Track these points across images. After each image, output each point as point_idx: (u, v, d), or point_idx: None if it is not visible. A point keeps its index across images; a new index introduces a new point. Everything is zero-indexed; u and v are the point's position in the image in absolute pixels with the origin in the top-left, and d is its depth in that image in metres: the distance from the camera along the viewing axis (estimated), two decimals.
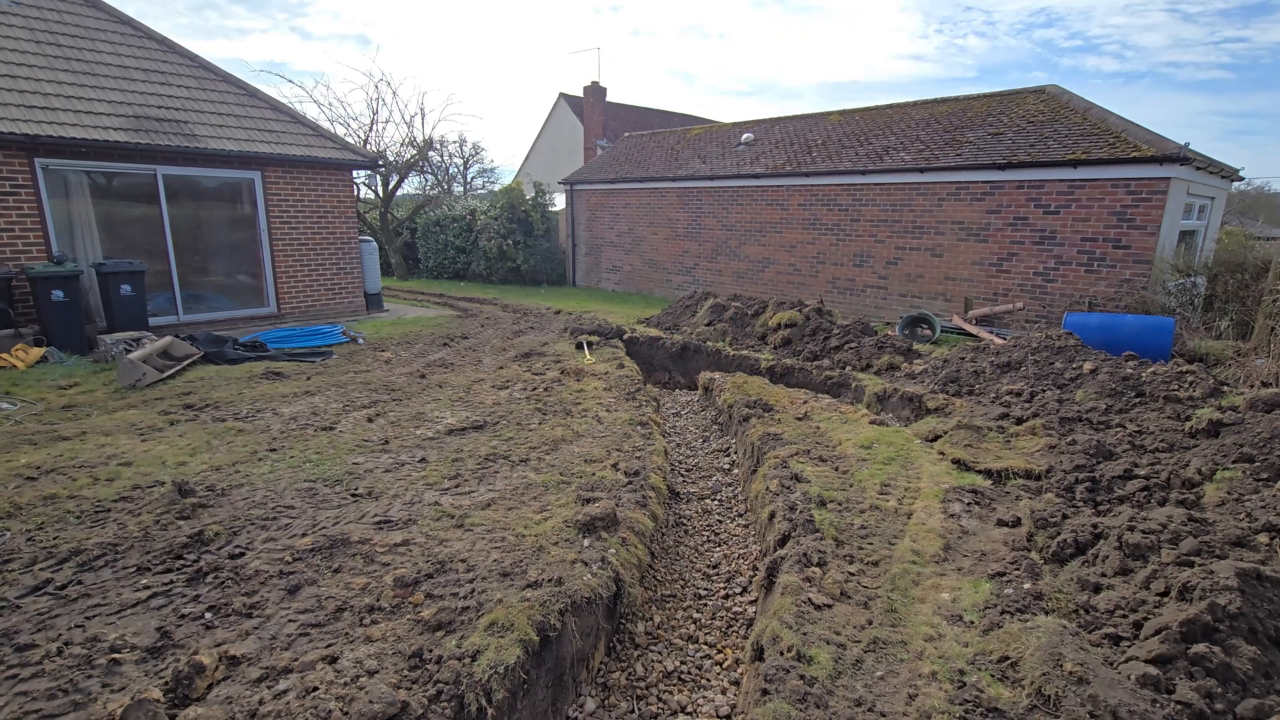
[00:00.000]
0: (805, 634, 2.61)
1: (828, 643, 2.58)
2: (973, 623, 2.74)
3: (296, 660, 2.40)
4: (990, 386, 6.21)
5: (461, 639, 2.54)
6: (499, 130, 61.39)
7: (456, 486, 4.13)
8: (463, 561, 3.13)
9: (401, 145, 21.42)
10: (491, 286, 17.43)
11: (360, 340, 9.22)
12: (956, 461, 4.65)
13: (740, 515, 4.69)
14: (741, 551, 4.17)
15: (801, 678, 2.35)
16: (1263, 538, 3.07)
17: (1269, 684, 2.21)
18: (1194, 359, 7.11)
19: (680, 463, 5.73)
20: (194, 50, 10.78)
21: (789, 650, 2.51)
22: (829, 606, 2.84)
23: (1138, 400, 5.24)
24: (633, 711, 2.80)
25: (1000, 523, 3.69)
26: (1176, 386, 5.28)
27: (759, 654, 2.64)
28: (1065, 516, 3.54)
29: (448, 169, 29.37)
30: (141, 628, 2.59)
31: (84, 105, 8.66)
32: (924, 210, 10.98)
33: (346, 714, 2.12)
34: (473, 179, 32.63)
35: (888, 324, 11.02)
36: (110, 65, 9.52)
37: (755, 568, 3.92)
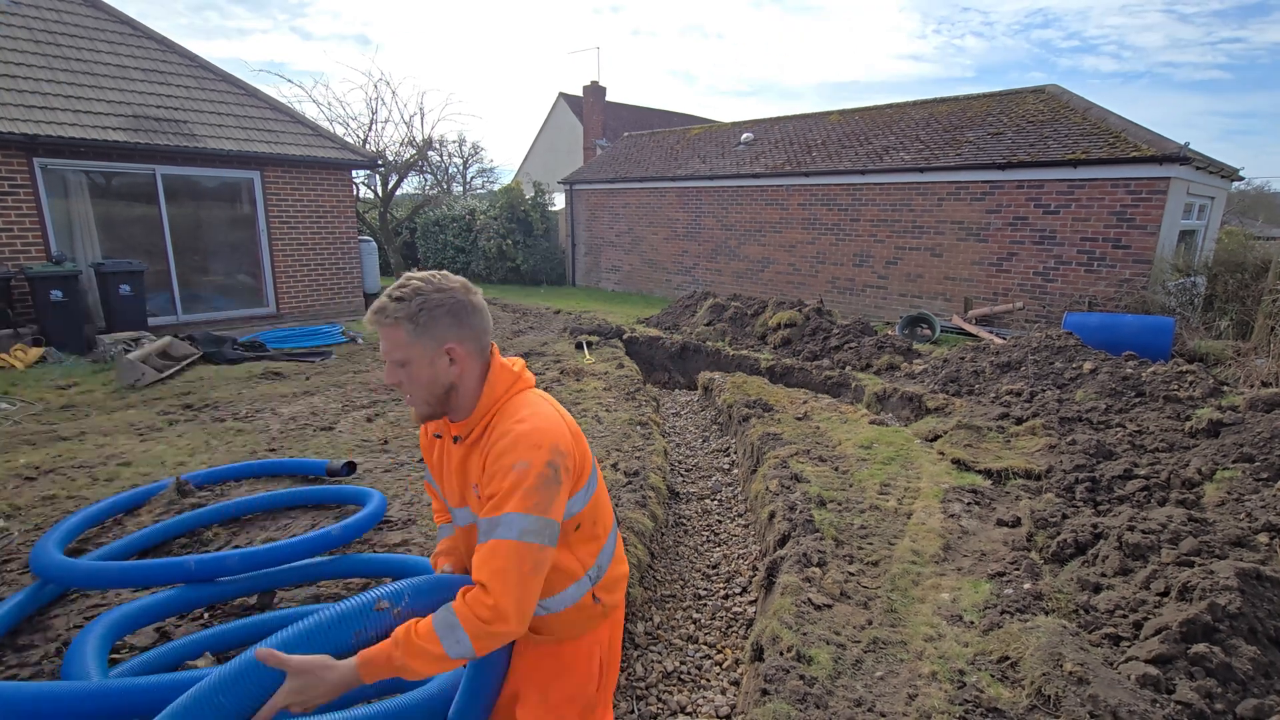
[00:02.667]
0: (805, 634, 2.61)
1: (827, 643, 2.58)
2: (973, 623, 2.73)
3: None
4: (990, 386, 6.21)
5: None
6: (498, 130, 61.44)
7: None
8: None
9: (401, 145, 21.41)
10: (491, 286, 17.43)
11: (360, 340, 9.21)
12: (956, 461, 4.65)
13: (740, 515, 4.69)
14: (741, 551, 4.17)
15: (801, 678, 2.35)
16: (1263, 537, 3.07)
17: (1269, 684, 2.21)
18: (1194, 359, 7.11)
19: (680, 462, 5.73)
20: (194, 50, 10.77)
21: (789, 650, 2.50)
22: (829, 606, 2.84)
23: (1138, 400, 5.24)
24: (632, 712, 2.80)
25: (1000, 523, 3.69)
26: (1176, 386, 5.28)
27: (759, 654, 2.64)
28: (1065, 516, 3.54)
29: (447, 169, 29.37)
30: (140, 628, 2.58)
31: (83, 105, 8.65)
32: (924, 210, 10.98)
33: None
34: (472, 179, 32.65)
35: (887, 324, 11.02)
36: (109, 65, 9.51)
37: (755, 568, 3.91)
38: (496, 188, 24.29)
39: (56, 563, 2.59)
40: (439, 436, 1.55)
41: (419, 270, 1.49)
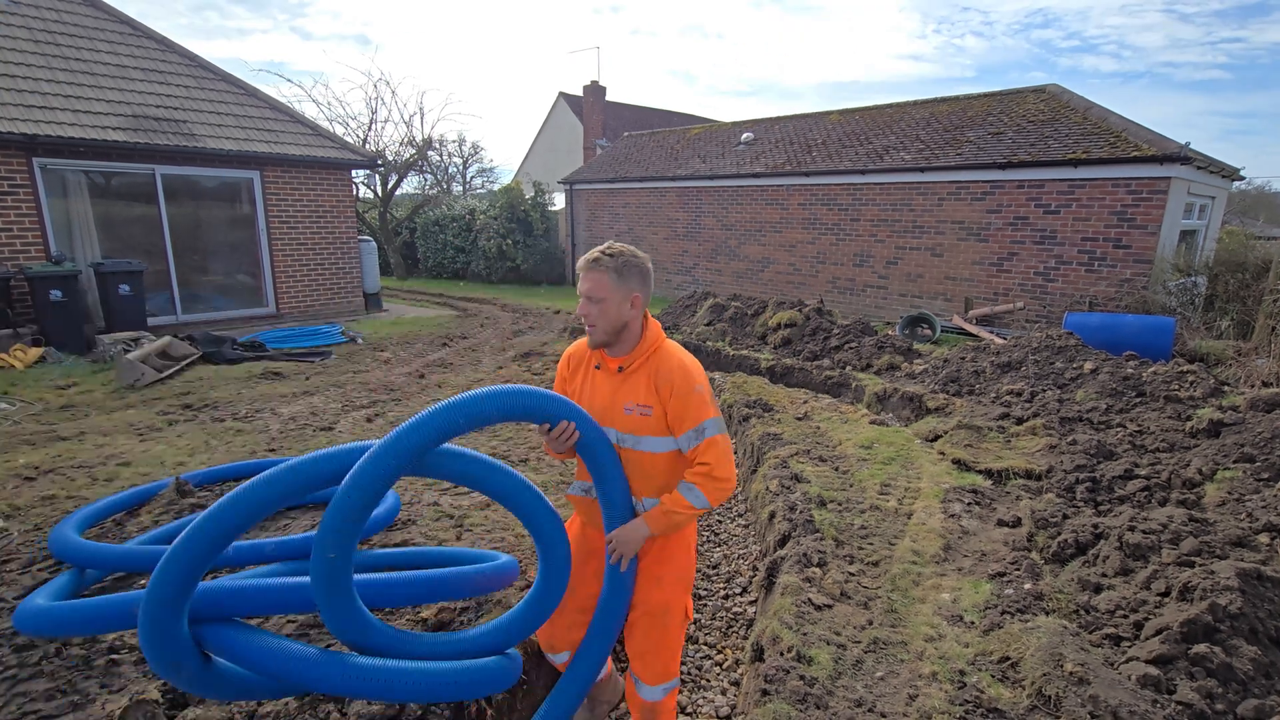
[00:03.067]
0: (805, 634, 2.61)
1: (828, 643, 2.57)
2: (973, 623, 2.73)
3: None
4: (990, 386, 6.20)
5: None
6: (498, 130, 61.48)
7: (455, 487, 4.13)
8: None
9: (400, 145, 21.45)
10: (491, 286, 17.43)
11: (359, 340, 9.21)
12: (957, 461, 4.65)
13: (740, 515, 4.69)
14: (741, 551, 4.17)
15: (801, 678, 2.34)
16: (1263, 538, 3.07)
17: (1270, 684, 2.20)
18: (1194, 359, 7.10)
19: None
20: (194, 50, 10.78)
21: (789, 650, 2.50)
22: (829, 607, 2.84)
23: (1138, 400, 5.23)
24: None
25: (1000, 523, 3.69)
26: (1177, 386, 5.28)
27: (759, 654, 2.64)
28: (1066, 516, 3.53)
29: (447, 168, 29.39)
30: None
31: (82, 105, 8.65)
32: (924, 210, 10.97)
33: (345, 714, 2.11)
34: (472, 178, 32.67)
35: (888, 324, 11.01)
36: (109, 64, 9.51)
37: (755, 568, 3.91)
38: (496, 188, 24.30)
39: (109, 549, 2.63)
40: (599, 367, 2.08)
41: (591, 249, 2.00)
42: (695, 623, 3.44)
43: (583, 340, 2.13)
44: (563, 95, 28.94)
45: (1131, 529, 3.09)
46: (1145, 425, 4.76)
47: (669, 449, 2.02)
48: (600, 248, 1.98)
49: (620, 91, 60.99)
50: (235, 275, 10.38)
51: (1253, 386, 6.02)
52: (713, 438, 1.96)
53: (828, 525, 3.59)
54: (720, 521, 4.61)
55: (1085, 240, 9.34)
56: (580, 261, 1.97)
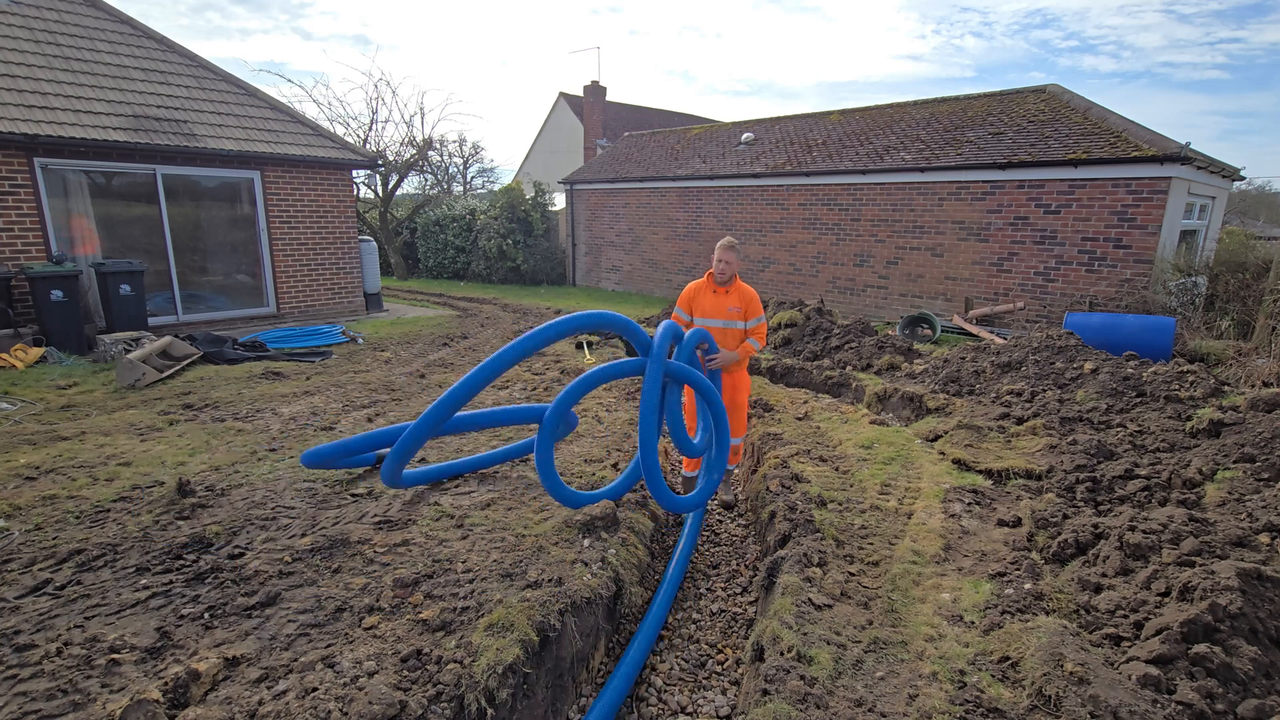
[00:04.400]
0: (805, 634, 2.61)
1: (828, 643, 2.58)
2: (973, 623, 2.73)
3: (296, 660, 2.40)
4: (991, 386, 6.20)
5: (461, 639, 2.53)
6: (499, 130, 61.48)
7: (456, 486, 4.13)
8: (462, 562, 3.12)
9: (401, 145, 21.43)
10: (491, 286, 17.43)
11: (360, 340, 9.21)
12: (957, 461, 4.65)
13: (740, 515, 4.69)
14: (741, 551, 4.17)
15: (801, 678, 2.34)
16: (1264, 538, 3.07)
17: (1270, 684, 2.20)
18: (1195, 359, 7.10)
19: (680, 462, 5.72)
20: (195, 50, 10.77)
21: (789, 650, 2.50)
22: (829, 607, 2.84)
23: (1138, 400, 5.23)
24: (632, 712, 2.80)
25: (1001, 523, 3.69)
26: (1177, 386, 5.28)
27: (759, 654, 2.64)
28: (1066, 516, 3.53)
29: (447, 169, 29.39)
30: (141, 628, 2.58)
31: (83, 105, 8.65)
32: (924, 210, 10.97)
33: (345, 714, 2.12)
34: (472, 179, 32.67)
35: (888, 324, 11.01)
36: (109, 65, 9.51)
37: (755, 568, 3.91)
38: (497, 188, 24.30)
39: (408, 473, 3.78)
40: (715, 291, 4.32)
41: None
42: (696, 623, 3.46)
43: (699, 280, 4.38)
44: (563, 95, 28.93)
45: (1132, 529, 3.09)
46: (1145, 425, 4.76)
47: (741, 328, 4.29)
48: (729, 238, 4.23)
49: (619, 91, 61.05)
50: (235, 275, 10.38)
51: (1253, 386, 6.02)
52: (764, 321, 4.33)
53: (828, 525, 3.59)
54: (720, 521, 4.61)
55: (1085, 240, 9.34)
56: (721, 243, 4.21)
